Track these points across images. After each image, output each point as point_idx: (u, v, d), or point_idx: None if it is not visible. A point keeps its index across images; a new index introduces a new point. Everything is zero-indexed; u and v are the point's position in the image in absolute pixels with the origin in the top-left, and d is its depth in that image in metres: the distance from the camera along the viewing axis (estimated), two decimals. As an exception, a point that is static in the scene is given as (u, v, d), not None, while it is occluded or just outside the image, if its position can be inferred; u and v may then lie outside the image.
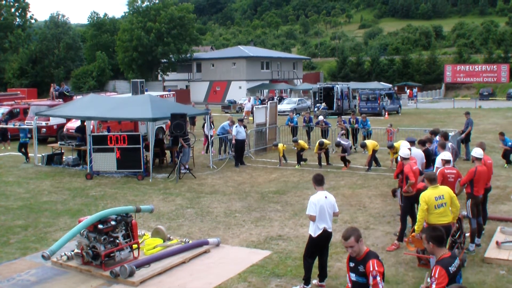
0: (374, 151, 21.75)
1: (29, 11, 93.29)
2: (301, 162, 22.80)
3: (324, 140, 23.18)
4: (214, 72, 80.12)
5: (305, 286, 9.77)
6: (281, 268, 10.93)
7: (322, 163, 22.59)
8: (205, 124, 25.32)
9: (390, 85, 69.74)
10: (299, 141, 22.84)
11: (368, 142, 22.47)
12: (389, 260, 11.33)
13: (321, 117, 30.74)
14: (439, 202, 10.12)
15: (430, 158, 15.02)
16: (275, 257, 11.64)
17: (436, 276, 6.27)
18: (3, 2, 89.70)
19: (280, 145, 23.08)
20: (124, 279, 10.43)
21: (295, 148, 23.17)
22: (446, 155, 12.84)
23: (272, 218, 14.58)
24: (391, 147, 20.09)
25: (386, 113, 47.56)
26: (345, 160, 22.38)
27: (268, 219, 14.56)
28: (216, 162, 23.26)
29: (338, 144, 22.64)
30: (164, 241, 12.38)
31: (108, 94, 38.69)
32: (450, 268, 6.34)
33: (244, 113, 44.41)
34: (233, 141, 23.13)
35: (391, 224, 13.90)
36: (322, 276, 9.98)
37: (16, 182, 20.57)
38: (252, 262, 11.38)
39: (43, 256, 10.37)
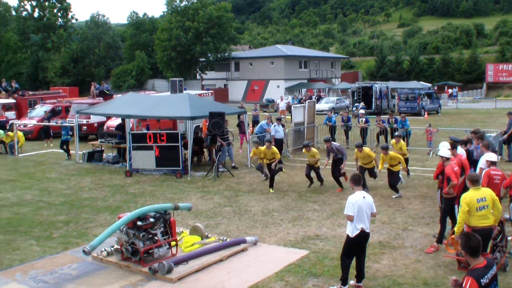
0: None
1: (71, 12, 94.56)
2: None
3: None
4: (252, 71, 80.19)
5: (342, 287, 9.74)
6: (318, 268, 10.92)
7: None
8: (243, 123, 25.38)
9: (430, 85, 68.87)
10: (312, 148, 18.96)
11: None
12: (428, 262, 11.22)
13: (362, 110, 30.64)
14: (480, 204, 9.95)
15: (471, 159, 14.78)
16: (312, 257, 11.63)
17: None
18: (46, 3, 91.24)
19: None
20: (162, 276, 10.56)
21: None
22: (491, 156, 12.58)
23: (309, 218, 14.57)
24: (385, 148, 17.30)
25: (426, 113, 46.98)
26: (337, 178, 18.31)
27: (305, 219, 14.55)
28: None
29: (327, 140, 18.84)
30: (202, 239, 12.49)
31: (147, 93, 39.12)
32: (482, 280, 6.08)
33: (279, 112, 44.41)
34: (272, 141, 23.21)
35: (430, 226, 13.75)
36: (360, 276, 9.94)
37: (58, 179, 20.98)
38: (289, 261, 11.40)
39: (84, 251, 10.56)
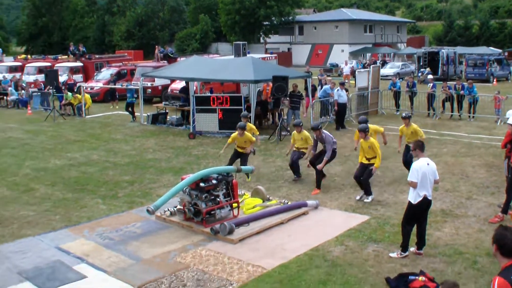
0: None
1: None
2: None
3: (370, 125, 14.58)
4: (316, 35, 79.32)
5: (402, 253, 9.69)
6: (378, 234, 10.88)
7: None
8: (307, 87, 25.22)
9: (500, 51, 66.55)
10: (304, 131, 15.13)
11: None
12: (491, 232, 10.88)
13: (430, 76, 29.98)
14: None
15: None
16: (373, 222, 11.59)
17: None
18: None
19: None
20: (223, 237, 10.75)
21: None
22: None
23: (371, 183, 14.45)
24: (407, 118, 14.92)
25: (495, 80, 45.53)
26: (320, 176, 14.45)
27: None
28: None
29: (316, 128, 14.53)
30: (263, 202, 12.60)
31: (211, 56, 39.27)
32: None
33: (343, 77, 43.91)
34: (335, 106, 23.00)
35: (495, 196, 13.43)
36: (420, 244, 9.85)
37: (123, 140, 21.49)
38: (350, 226, 11.39)
39: (148, 211, 10.83)
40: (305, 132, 14.93)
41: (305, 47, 79.96)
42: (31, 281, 9.26)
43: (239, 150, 15.48)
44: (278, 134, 20.31)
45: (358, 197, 13.29)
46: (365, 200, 13.07)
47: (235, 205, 11.92)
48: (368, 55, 72.08)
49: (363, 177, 13.15)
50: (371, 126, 14.14)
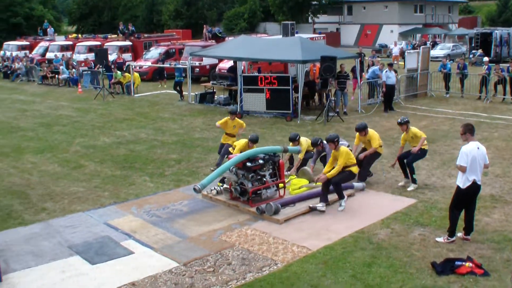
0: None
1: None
2: None
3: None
4: (365, 15, 78.23)
5: (449, 238, 9.54)
6: (425, 218, 10.74)
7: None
8: (355, 67, 24.93)
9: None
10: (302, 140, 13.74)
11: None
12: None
13: (486, 58, 29.33)
14: None
15: None
16: (420, 206, 11.45)
17: None
18: None
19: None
20: (269, 216, 10.79)
21: None
22: None
23: (419, 166, 14.23)
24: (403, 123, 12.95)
25: (551, 62, 44.19)
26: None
27: (415, 167, 14.24)
28: (364, 106, 22.99)
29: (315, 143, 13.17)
30: (309, 182, 12.58)
31: (259, 36, 39.17)
32: None
33: (392, 58, 43.25)
34: (383, 87, 22.70)
35: (548, 181, 13.11)
36: (468, 229, 9.67)
37: (171, 119, 21.70)
38: (396, 209, 11.28)
39: (194, 189, 10.92)
40: (303, 140, 13.48)
41: (354, 28, 78.98)
42: (80, 255, 9.50)
43: (226, 138, 14.70)
44: (325, 115, 20.19)
45: (400, 184, 13.00)
46: (408, 189, 12.64)
47: (281, 185, 11.94)
48: (418, 36, 70.71)
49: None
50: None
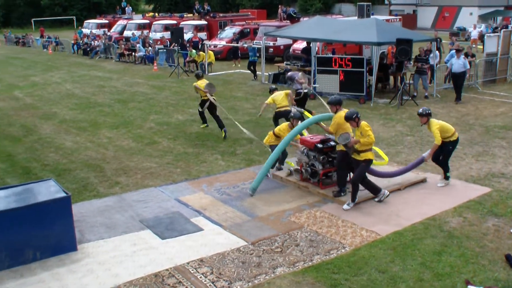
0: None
1: None
2: None
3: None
4: (444, -4, 76.00)
5: (526, 229, 9.19)
6: (500, 208, 10.38)
7: None
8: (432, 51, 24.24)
9: None
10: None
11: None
12: None
13: None
14: None
15: None
16: (495, 195, 11.07)
17: None
18: None
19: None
20: (338, 199, 10.71)
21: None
22: None
23: (495, 154, 13.80)
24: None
25: None
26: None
27: (491, 155, 13.81)
28: (440, 91, 22.38)
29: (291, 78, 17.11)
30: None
31: (334, 17, 38.74)
32: None
33: (471, 42, 41.89)
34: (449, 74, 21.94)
35: None
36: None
37: (244, 98, 21.81)
38: (470, 197, 10.95)
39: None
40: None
41: (431, 10, 76.76)
42: (151, 229, 9.72)
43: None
44: (399, 98, 19.80)
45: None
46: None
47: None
48: (499, 18, 68.12)
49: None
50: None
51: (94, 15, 67.90)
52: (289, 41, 31.63)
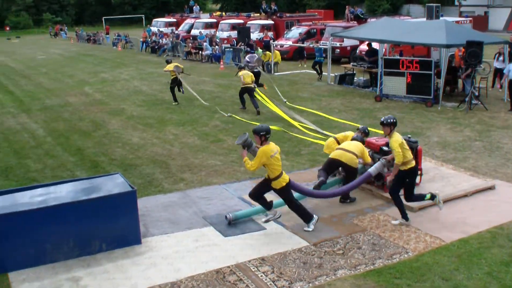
0: None
1: None
2: None
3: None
4: (518, -2, 73.73)
5: None
6: None
7: None
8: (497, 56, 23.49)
9: None
10: None
11: None
12: None
13: None
14: None
15: None
16: None
17: None
18: None
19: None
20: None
21: None
22: None
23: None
24: None
25: None
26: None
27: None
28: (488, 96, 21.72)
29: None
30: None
31: (402, 18, 38.18)
32: None
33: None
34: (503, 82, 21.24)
35: None
36: None
37: (309, 98, 21.78)
38: (541, 207, 10.60)
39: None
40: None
41: (504, 11, 74.52)
42: (214, 226, 9.84)
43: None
44: (468, 103, 19.32)
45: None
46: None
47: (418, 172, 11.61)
48: None
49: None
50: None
51: (163, 13, 69.12)
52: (356, 42, 31.35)
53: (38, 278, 8.23)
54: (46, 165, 13.63)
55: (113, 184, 9.50)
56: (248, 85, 19.28)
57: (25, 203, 8.67)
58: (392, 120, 9.69)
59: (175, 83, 21.63)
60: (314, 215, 9.74)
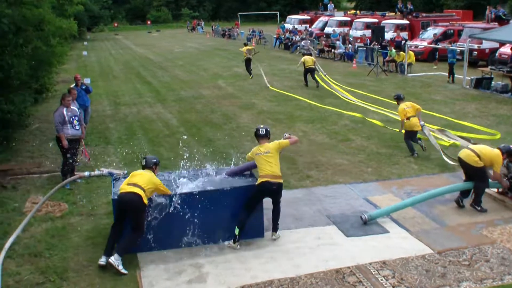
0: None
1: None
2: None
3: None
4: None
5: None
6: None
7: None
8: None
9: None
10: None
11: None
12: None
13: None
14: None
15: None
16: None
17: None
18: None
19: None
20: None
21: None
22: None
23: None
24: None
25: None
26: None
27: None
28: None
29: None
30: None
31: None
32: None
33: None
34: None
35: None
36: None
37: (443, 102, 21.13)
38: None
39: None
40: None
41: None
42: (337, 225, 9.85)
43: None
44: None
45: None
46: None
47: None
48: None
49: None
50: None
51: (297, 10, 69.65)
52: (496, 45, 29.95)
53: (163, 261, 8.65)
54: (177, 154, 14.19)
55: (240, 177, 9.84)
56: (311, 66, 24.55)
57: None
58: (397, 95, 9.39)
59: (248, 62, 28.66)
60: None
